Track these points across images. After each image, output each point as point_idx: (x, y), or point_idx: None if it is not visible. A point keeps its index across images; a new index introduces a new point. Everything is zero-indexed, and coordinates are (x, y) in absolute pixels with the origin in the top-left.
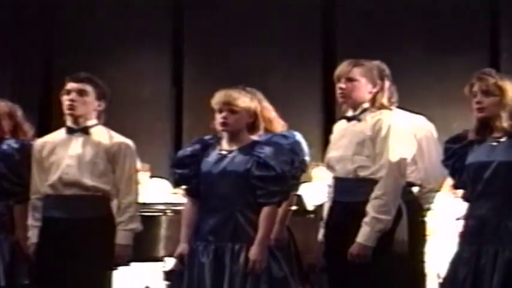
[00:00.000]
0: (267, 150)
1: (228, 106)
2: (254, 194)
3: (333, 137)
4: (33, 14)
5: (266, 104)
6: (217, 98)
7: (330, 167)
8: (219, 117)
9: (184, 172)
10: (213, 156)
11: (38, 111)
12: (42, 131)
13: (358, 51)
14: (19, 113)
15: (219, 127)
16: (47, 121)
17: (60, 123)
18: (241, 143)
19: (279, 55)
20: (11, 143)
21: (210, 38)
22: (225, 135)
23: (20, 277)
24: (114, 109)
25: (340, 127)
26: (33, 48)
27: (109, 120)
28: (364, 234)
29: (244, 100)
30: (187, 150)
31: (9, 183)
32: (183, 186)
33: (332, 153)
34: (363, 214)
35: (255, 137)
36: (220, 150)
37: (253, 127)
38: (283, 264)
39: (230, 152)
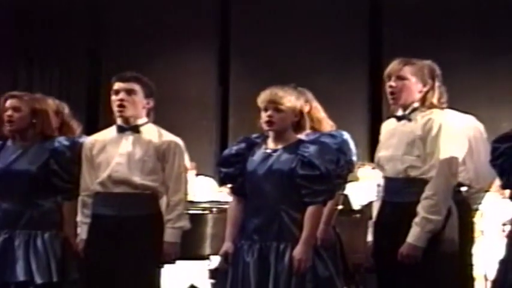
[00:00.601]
0: (312, 149)
1: (274, 105)
2: (299, 193)
3: (382, 137)
4: (82, 13)
5: (316, 104)
6: (263, 96)
7: (379, 167)
8: (264, 116)
9: (229, 171)
10: (258, 155)
11: (85, 109)
12: (89, 129)
13: (405, 50)
14: (66, 110)
15: (264, 126)
16: (95, 119)
17: (107, 121)
18: (286, 142)
19: (326, 54)
20: (61, 141)
21: (257, 37)
22: (270, 134)
23: (71, 273)
24: (161, 107)
25: (389, 126)
26: (81, 47)
27: (156, 118)
28: (414, 235)
29: (290, 99)
30: (232, 149)
31: (60, 180)
32: (229, 185)
33: (382, 152)
34: (413, 214)
35: (301, 136)
36: (266, 149)
37: (298, 126)
38: (328, 264)
39: (275, 150)
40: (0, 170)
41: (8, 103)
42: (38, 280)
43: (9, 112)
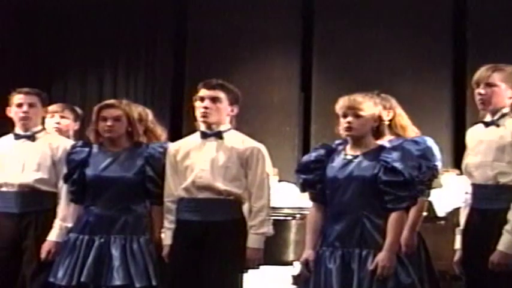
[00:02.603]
0: (395, 155)
1: (353, 111)
2: (381, 199)
3: (470, 143)
4: (167, 20)
5: (400, 111)
6: (342, 102)
7: (467, 173)
8: (343, 122)
9: (309, 177)
10: (338, 161)
11: (169, 115)
12: (173, 135)
13: (489, 55)
14: (150, 117)
15: (343, 132)
16: (178, 125)
17: (191, 127)
18: (366, 148)
19: (410, 59)
20: (156, 147)
21: (340, 44)
22: (349, 140)
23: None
24: (243, 114)
25: (476, 132)
26: (165, 54)
27: (239, 124)
28: (505, 242)
29: (369, 105)
30: (311, 155)
31: (155, 186)
32: (308, 192)
33: (470, 159)
34: (504, 222)
35: (383, 142)
36: (346, 155)
37: (378, 132)
38: (411, 271)
39: (356, 157)
40: (92, 176)
41: (106, 112)
42: (138, 284)
43: (109, 122)
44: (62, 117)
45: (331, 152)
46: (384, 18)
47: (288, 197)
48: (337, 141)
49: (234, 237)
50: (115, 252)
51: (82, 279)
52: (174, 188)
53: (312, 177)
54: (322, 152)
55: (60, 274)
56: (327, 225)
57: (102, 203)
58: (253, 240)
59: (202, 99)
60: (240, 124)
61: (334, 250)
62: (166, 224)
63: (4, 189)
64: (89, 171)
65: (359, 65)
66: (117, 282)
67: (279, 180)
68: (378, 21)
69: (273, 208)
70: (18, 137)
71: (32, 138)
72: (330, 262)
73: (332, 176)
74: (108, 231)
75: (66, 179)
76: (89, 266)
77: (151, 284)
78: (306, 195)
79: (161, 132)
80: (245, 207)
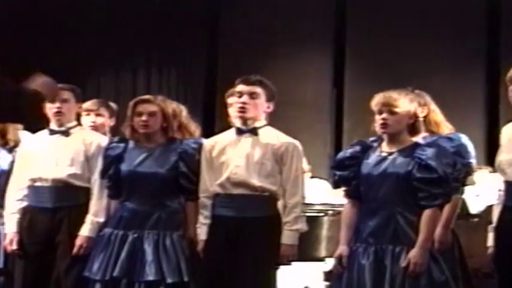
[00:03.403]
0: (429, 152)
1: (388, 107)
2: (415, 196)
3: (503, 140)
4: (199, 16)
5: (434, 107)
6: (377, 99)
7: (500, 171)
8: (378, 119)
9: (344, 174)
10: (373, 158)
11: (202, 111)
12: (206, 131)
13: None
14: (184, 113)
15: (378, 129)
16: (211, 122)
17: (224, 124)
18: (401, 145)
19: (443, 55)
20: (189, 143)
21: (372, 39)
22: (385, 136)
23: (198, 272)
24: (276, 111)
25: (510, 130)
26: (198, 49)
27: (272, 121)
28: None
29: (404, 101)
30: (347, 152)
31: (188, 182)
32: (343, 188)
33: (503, 156)
34: None
35: (417, 139)
36: (381, 152)
37: (413, 129)
38: (444, 268)
39: (390, 153)
40: (127, 171)
41: (142, 108)
42: (169, 279)
43: (144, 117)
44: (97, 115)
45: (366, 149)
46: (418, 14)
47: (320, 193)
48: (371, 138)
49: (268, 234)
50: (148, 248)
51: (115, 274)
52: (209, 184)
53: (347, 174)
54: (357, 148)
55: (95, 268)
56: (360, 221)
57: (136, 198)
58: (288, 237)
59: (240, 94)
60: (273, 121)
61: (368, 246)
62: (201, 219)
63: (38, 184)
64: (124, 167)
65: (392, 61)
66: (149, 278)
67: (311, 177)
68: (412, 17)
69: (305, 204)
70: (52, 132)
71: (66, 133)
72: (363, 258)
73: (367, 172)
74: (141, 226)
75: (103, 175)
76: (122, 261)
77: (183, 280)
78: (338, 191)
79: (195, 129)
80: (280, 204)
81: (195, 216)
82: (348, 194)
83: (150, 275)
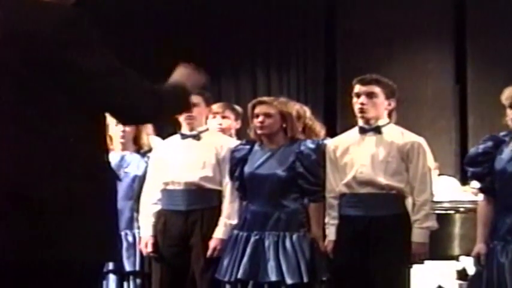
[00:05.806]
0: None
1: None
2: None
3: None
4: (317, 19)
5: None
6: (508, 93)
7: None
8: (510, 113)
9: (477, 170)
10: (506, 153)
11: (323, 112)
12: (327, 131)
13: None
14: (308, 113)
15: (511, 123)
16: (333, 122)
17: (345, 124)
18: None
19: None
20: (307, 144)
21: (494, 35)
22: None
23: (320, 273)
24: (398, 108)
25: None
26: (317, 52)
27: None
28: None
29: None
30: (479, 148)
31: (306, 183)
32: (473, 185)
33: None
34: None
35: None
36: None
37: None
38: None
39: None
40: (248, 173)
41: (259, 109)
42: (289, 280)
43: (260, 118)
44: (224, 117)
45: (499, 144)
46: None
47: (449, 190)
48: (502, 133)
49: (398, 232)
50: (268, 249)
51: (239, 276)
52: (335, 184)
53: (481, 170)
54: (489, 144)
55: (223, 270)
56: (497, 218)
57: (257, 199)
58: (418, 235)
59: (358, 95)
60: (397, 118)
61: (506, 244)
62: (329, 220)
63: (171, 187)
64: (246, 169)
65: None
66: (270, 279)
67: (439, 174)
68: None
69: (434, 202)
70: (184, 136)
71: (197, 137)
72: (502, 256)
73: (501, 168)
74: (262, 227)
75: (231, 177)
76: (245, 262)
77: (303, 281)
78: (467, 188)
79: (320, 129)
80: (408, 202)
81: (318, 217)
82: (483, 191)
83: (271, 276)
